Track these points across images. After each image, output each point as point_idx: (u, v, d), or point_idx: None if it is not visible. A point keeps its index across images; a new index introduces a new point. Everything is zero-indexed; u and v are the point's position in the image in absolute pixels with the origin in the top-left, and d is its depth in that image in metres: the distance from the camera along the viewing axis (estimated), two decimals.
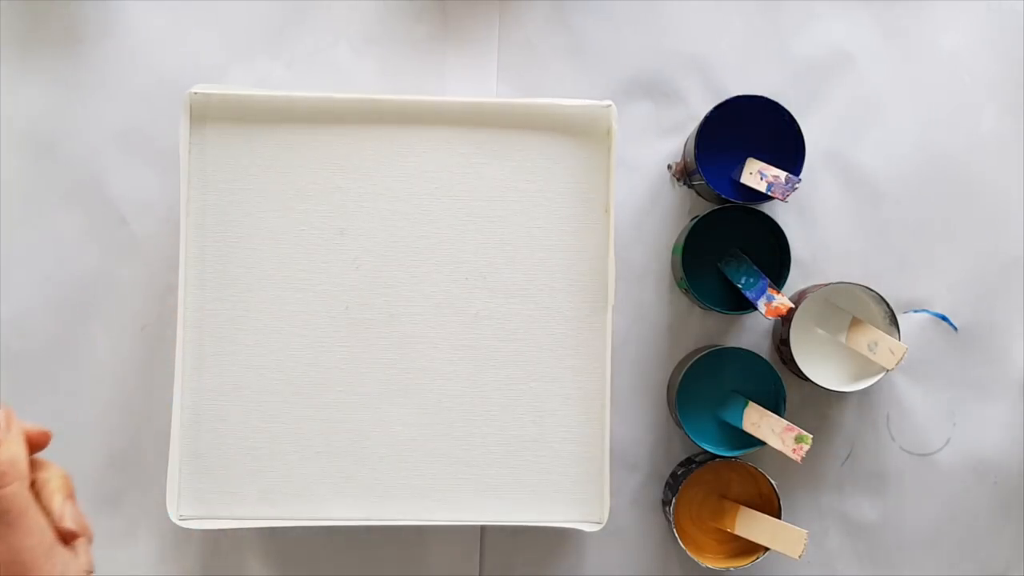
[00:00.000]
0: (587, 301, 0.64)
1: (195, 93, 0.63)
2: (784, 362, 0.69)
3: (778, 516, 0.65)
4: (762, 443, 0.65)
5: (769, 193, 0.64)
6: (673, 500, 0.65)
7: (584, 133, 0.65)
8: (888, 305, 0.66)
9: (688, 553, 0.65)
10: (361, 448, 0.63)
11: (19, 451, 0.41)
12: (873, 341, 0.64)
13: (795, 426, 0.63)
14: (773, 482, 0.65)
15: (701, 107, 0.70)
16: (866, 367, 0.66)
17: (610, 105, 0.64)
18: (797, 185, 0.64)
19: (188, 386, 0.63)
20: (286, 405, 0.63)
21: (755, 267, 0.66)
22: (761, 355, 0.67)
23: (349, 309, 0.63)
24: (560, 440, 0.63)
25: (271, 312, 0.63)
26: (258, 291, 0.63)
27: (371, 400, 0.63)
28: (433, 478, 0.63)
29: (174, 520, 0.62)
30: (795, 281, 0.70)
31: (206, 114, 0.63)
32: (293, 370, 0.63)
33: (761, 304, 0.64)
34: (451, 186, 0.64)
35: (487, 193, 0.64)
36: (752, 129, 0.67)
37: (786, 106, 0.66)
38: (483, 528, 0.70)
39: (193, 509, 0.63)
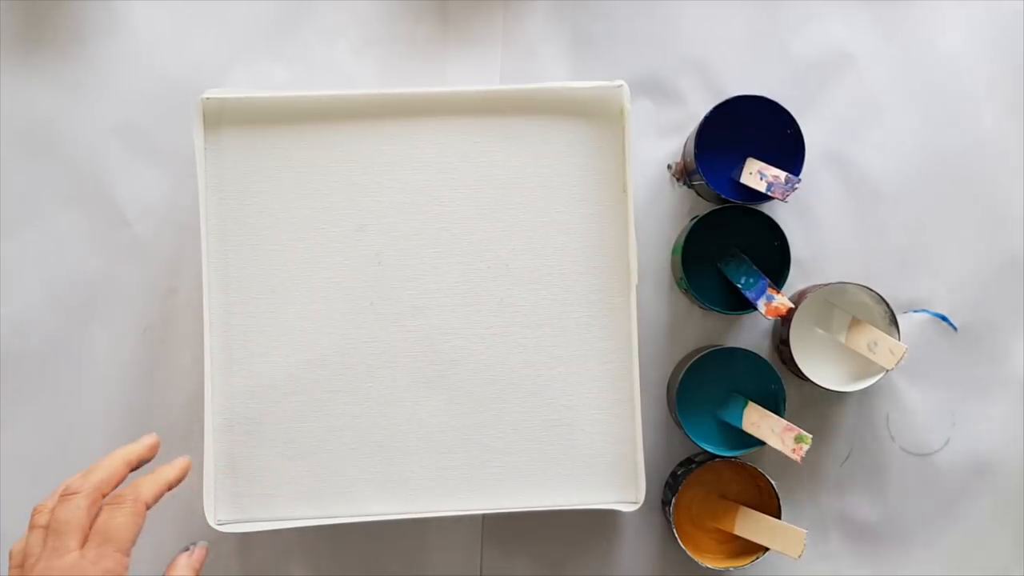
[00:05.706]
0: (610, 282, 0.64)
1: (208, 98, 0.62)
2: (784, 362, 0.69)
3: (778, 516, 0.65)
4: (762, 443, 0.65)
5: (769, 193, 0.64)
6: (673, 500, 0.65)
7: (597, 115, 0.64)
8: (888, 305, 0.65)
9: (688, 553, 0.65)
10: (393, 442, 0.63)
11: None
12: (873, 341, 0.64)
13: (795, 426, 0.63)
14: (773, 482, 0.65)
15: (701, 107, 0.70)
16: (866, 367, 0.66)
17: (621, 85, 0.63)
18: (797, 185, 0.64)
19: (218, 390, 0.62)
20: (315, 403, 0.63)
21: (755, 267, 0.66)
22: (761, 355, 0.67)
23: (374, 304, 0.63)
24: (592, 422, 0.63)
25: (296, 311, 0.63)
26: (282, 292, 0.63)
27: (401, 393, 0.63)
28: (467, 468, 0.63)
29: (212, 525, 0.61)
30: (795, 281, 0.70)
31: (221, 119, 0.63)
32: (321, 368, 0.63)
33: (761, 304, 0.64)
34: (467, 175, 0.64)
35: (503, 180, 0.64)
36: (752, 129, 0.67)
37: (786, 106, 0.66)
38: (483, 527, 0.70)
39: (229, 513, 0.62)
